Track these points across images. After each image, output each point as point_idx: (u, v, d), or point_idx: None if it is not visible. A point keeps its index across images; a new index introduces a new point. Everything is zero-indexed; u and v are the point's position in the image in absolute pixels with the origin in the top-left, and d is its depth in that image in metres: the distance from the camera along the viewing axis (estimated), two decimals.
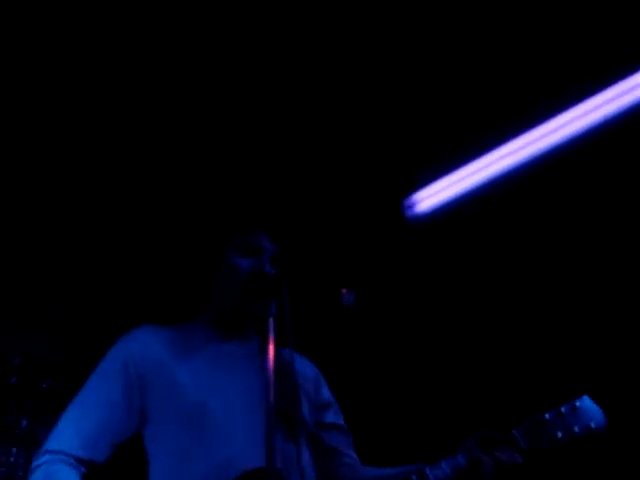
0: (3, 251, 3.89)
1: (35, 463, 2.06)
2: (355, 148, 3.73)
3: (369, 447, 2.46)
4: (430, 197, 3.81)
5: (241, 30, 3.25)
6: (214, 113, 3.62)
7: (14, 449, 4.13)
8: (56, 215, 3.87)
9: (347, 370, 3.49)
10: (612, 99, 3.16)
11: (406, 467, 2.17)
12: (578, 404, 2.07)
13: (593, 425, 2.05)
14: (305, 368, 2.37)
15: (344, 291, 2.06)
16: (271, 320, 1.95)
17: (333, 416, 2.36)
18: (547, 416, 2.07)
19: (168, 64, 3.35)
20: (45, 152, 3.73)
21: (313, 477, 2.15)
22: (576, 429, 2.04)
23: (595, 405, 2.09)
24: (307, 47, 3.33)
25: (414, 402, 3.94)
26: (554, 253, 3.62)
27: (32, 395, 4.27)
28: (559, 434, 2.03)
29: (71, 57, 3.20)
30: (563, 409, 2.07)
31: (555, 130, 3.43)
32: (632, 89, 3.07)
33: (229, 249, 2.27)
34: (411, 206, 3.84)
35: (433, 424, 3.72)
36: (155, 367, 2.15)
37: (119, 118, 3.61)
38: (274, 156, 3.73)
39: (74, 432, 2.06)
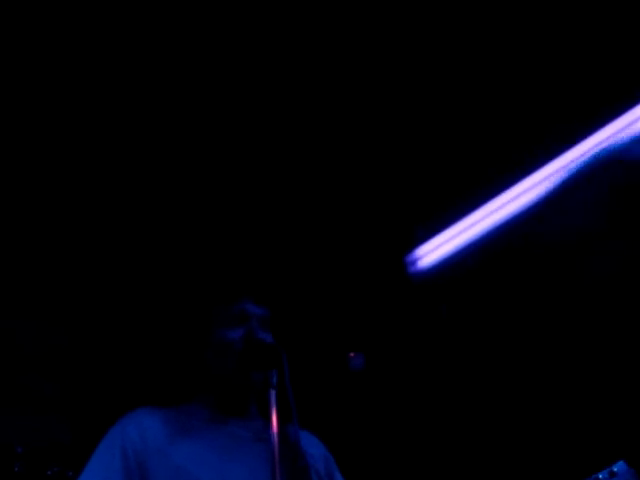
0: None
1: None
2: (352, 206, 3.71)
3: None
4: (432, 251, 3.77)
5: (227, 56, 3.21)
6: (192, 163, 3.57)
7: None
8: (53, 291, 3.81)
9: (354, 439, 3.38)
10: (608, 138, 3.16)
11: None
12: (615, 469, 1.99)
13: None
14: (313, 447, 2.26)
15: (352, 355, 2.00)
16: (273, 392, 1.85)
17: None
18: (600, 476, 1.96)
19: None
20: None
21: None
22: None
23: (632, 469, 2.01)
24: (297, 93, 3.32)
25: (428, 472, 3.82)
26: (566, 299, 3.56)
27: None
28: None
29: (71, 56, 3.14)
30: (601, 476, 1.98)
31: (553, 175, 3.42)
32: (629, 125, 3.08)
33: (215, 324, 2.20)
34: (414, 262, 3.80)
35: None
36: (154, 452, 2.05)
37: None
38: (267, 212, 3.69)
39: None
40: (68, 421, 4.24)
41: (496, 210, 3.63)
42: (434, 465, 3.77)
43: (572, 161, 3.42)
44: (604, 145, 3.37)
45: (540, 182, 3.50)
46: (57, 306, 4.03)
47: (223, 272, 2.37)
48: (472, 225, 3.68)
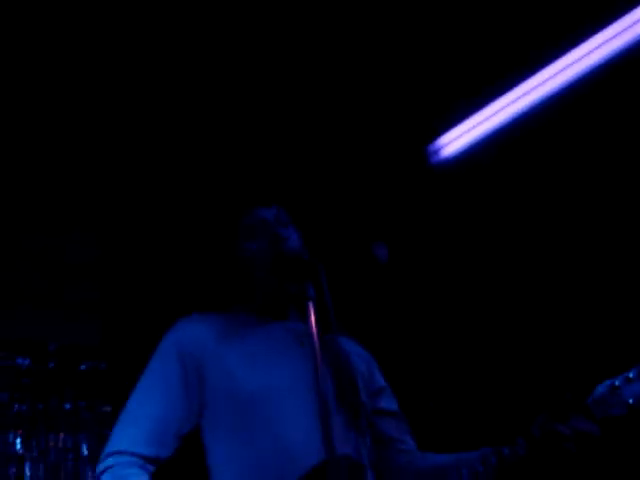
0: (31, 234, 3.84)
1: (100, 467, 2.00)
2: (375, 96, 3.67)
3: (419, 430, 2.39)
4: (454, 141, 3.77)
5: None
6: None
7: (61, 435, 4.14)
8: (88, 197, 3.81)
9: (384, 334, 3.43)
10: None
11: (469, 453, 2.08)
12: (631, 375, 1.97)
13: None
14: (358, 351, 2.31)
15: (376, 246, 2.02)
16: (310, 304, 1.86)
17: (387, 402, 2.30)
18: (617, 382, 2.00)
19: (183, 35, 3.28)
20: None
21: (374, 464, 2.11)
22: None
23: None
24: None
25: (458, 370, 3.88)
26: (591, 190, 3.57)
27: (71, 379, 4.26)
28: (630, 400, 1.97)
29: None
30: (631, 374, 2.00)
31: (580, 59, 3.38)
32: None
33: (243, 236, 2.21)
34: (436, 152, 3.80)
35: (481, 396, 3.67)
36: (209, 357, 2.10)
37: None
38: (289, 107, 3.65)
39: (137, 431, 2.02)
40: (99, 322, 4.33)
41: (518, 99, 3.60)
42: (460, 354, 3.86)
43: (592, 51, 3.38)
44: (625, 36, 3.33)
45: (563, 70, 3.46)
46: (91, 217, 4.03)
47: (242, 184, 2.38)
48: (494, 114, 3.66)
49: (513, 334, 3.73)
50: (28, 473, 3.96)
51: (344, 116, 3.74)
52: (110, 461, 1.98)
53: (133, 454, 1.98)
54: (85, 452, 4.17)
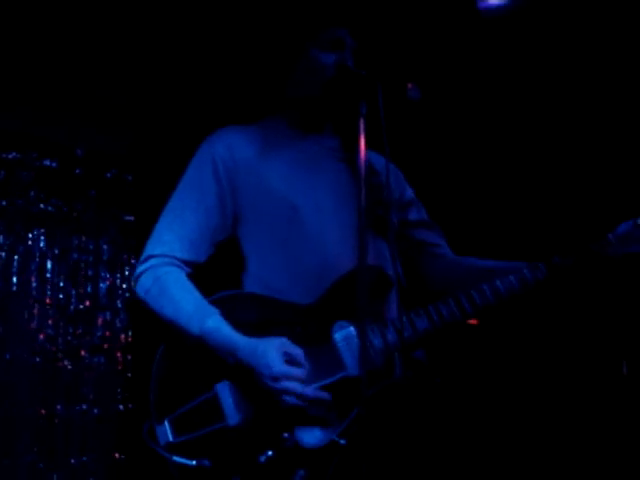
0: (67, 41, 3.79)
1: (140, 268, 2.09)
2: None
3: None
4: None
5: None
6: None
7: (83, 237, 4.28)
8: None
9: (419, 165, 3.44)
10: None
11: (510, 262, 2.12)
12: None
13: None
14: (387, 166, 2.33)
15: (410, 85, 2.00)
16: (362, 120, 1.86)
17: (418, 213, 2.35)
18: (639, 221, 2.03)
19: None
20: None
21: (401, 276, 2.17)
22: None
23: None
24: None
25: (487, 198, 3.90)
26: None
27: (96, 185, 4.35)
28: None
29: None
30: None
31: None
32: None
33: (311, 43, 2.18)
34: None
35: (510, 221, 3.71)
36: (244, 167, 2.14)
37: None
38: None
39: (175, 236, 2.09)
40: (129, 132, 4.36)
41: None
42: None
43: None
44: None
45: None
46: None
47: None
48: None
49: (535, 182, 3.77)
50: (49, 268, 4.13)
51: None
52: (148, 263, 2.08)
53: (170, 257, 2.06)
54: (104, 256, 4.32)
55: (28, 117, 4.12)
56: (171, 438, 1.96)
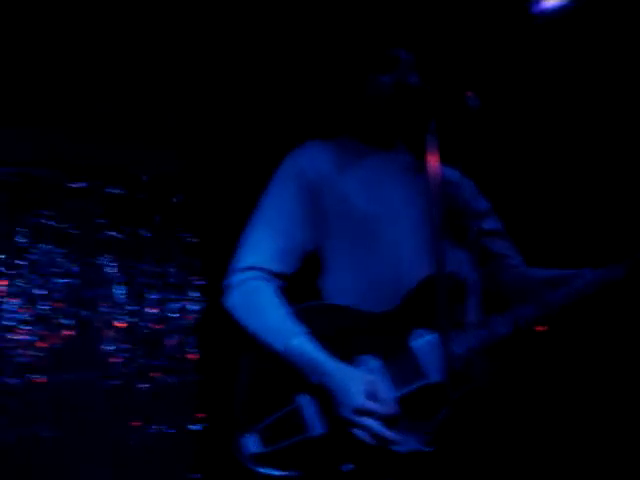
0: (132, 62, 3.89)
1: (228, 281, 2.14)
2: None
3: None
4: None
5: None
6: None
7: (150, 261, 4.36)
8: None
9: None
10: None
11: (578, 270, 2.11)
12: None
13: None
14: (461, 178, 2.37)
15: (469, 94, 2.01)
16: (430, 134, 1.90)
17: (492, 223, 2.38)
18: None
19: None
20: None
21: (478, 283, 2.18)
22: None
23: None
24: None
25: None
26: None
27: (161, 209, 4.44)
28: None
29: None
30: None
31: None
32: None
33: (367, 68, 2.22)
34: (537, 1, 3.66)
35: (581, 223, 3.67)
36: (325, 181, 2.19)
37: None
38: None
39: (263, 248, 2.14)
40: (190, 154, 4.44)
41: None
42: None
43: None
44: None
45: None
46: None
47: (375, 20, 2.37)
48: None
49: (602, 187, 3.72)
50: (119, 293, 4.22)
51: None
52: (239, 276, 2.11)
53: (259, 269, 2.10)
54: (171, 279, 4.40)
55: (93, 147, 4.24)
56: (256, 449, 1.99)
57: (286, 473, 1.94)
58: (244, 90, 4.08)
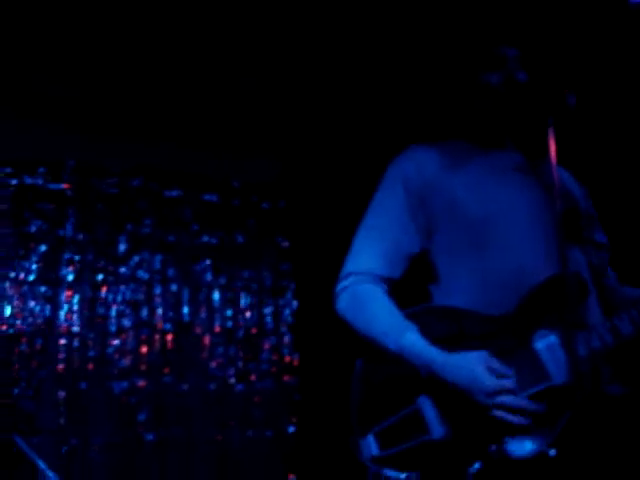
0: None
1: (339, 286, 2.17)
2: None
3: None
4: None
5: None
6: None
7: (245, 266, 4.44)
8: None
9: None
10: None
11: None
12: None
13: None
14: (574, 181, 2.34)
15: (566, 91, 1.98)
16: (550, 131, 1.87)
17: (599, 234, 2.32)
18: None
19: None
20: None
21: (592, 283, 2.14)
22: None
23: None
24: None
25: None
26: None
27: (254, 215, 4.51)
28: None
29: None
30: None
31: None
32: None
33: (475, 67, 2.21)
34: None
35: None
36: (432, 183, 2.18)
37: None
38: None
39: (372, 253, 2.16)
40: (280, 159, 4.50)
41: None
42: None
43: None
44: None
45: None
46: None
47: (481, 19, 2.36)
48: None
49: None
50: (216, 297, 4.31)
51: None
52: (349, 280, 2.15)
53: (368, 274, 2.12)
54: (266, 283, 4.47)
55: (187, 155, 4.34)
56: (376, 452, 2.00)
57: (409, 476, 1.94)
58: (336, 97, 4.10)
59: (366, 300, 2.11)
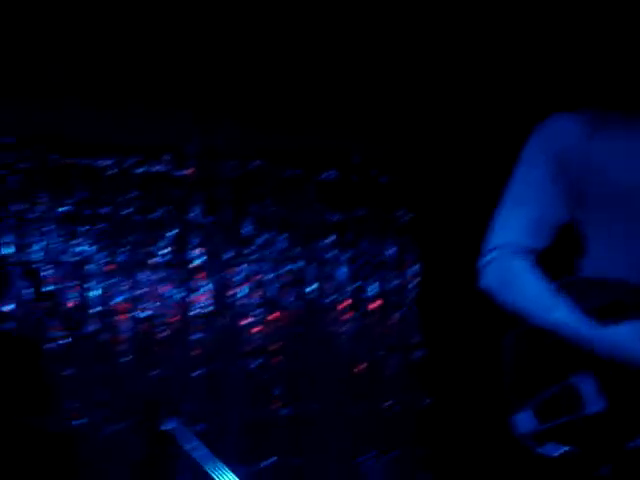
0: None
1: (483, 260, 2.14)
2: None
3: None
4: None
5: None
6: None
7: (369, 240, 4.46)
8: None
9: None
10: None
11: None
12: None
13: None
14: None
15: None
16: None
17: None
18: None
19: None
20: None
21: None
22: None
23: None
24: None
25: None
26: None
27: (373, 189, 4.51)
28: None
29: None
30: None
31: None
32: None
33: (623, 25, 2.10)
34: None
35: None
36: (576, 152, 2.10)
37: None
38: None
39: (517, 224, 2.10)
40: (398, 134, 4.47)
41: None
42: None
43: None
44: None
45: None
46: None
47: None
48: None
49: None
50: (341, 272, 4.36)
51: None
52: (493, 254, 2.11)
53: (515, 245, 2.09)
54: (390, 257, 4.48)
55: (303, 134, 4.37)
56: (533, 426, 1.97)
57: (567, 450, 1.90)
58: (465, 62, 4.02)
59: (514, 274, 2.07)
